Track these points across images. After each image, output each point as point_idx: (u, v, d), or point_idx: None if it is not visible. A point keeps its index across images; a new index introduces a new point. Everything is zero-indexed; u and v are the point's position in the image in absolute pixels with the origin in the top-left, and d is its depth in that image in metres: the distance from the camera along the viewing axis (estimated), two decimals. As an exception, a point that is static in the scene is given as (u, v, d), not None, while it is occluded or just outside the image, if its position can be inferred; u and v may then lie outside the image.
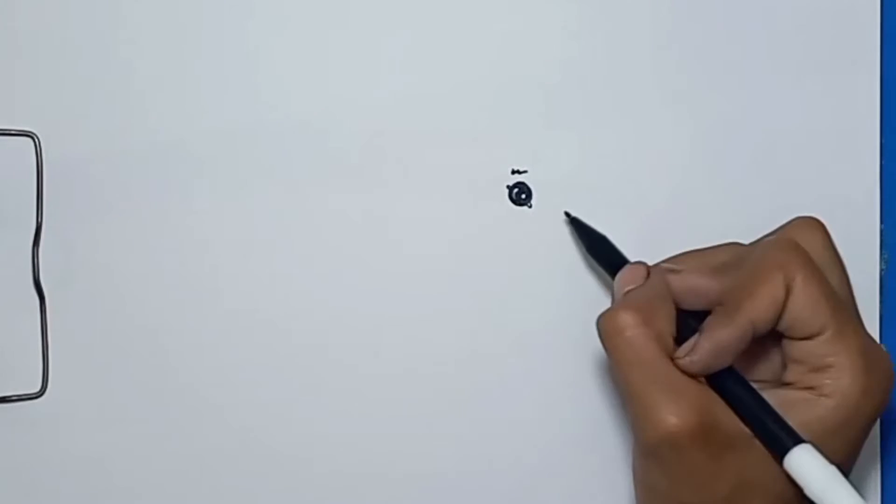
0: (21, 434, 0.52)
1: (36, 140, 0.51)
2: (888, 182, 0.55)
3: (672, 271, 0.49)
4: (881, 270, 0.55)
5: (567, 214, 0.53)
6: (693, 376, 0.46)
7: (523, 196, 0.54)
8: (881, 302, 0.55)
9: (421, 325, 0.53)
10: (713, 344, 0.46)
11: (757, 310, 0.46)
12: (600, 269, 0.52)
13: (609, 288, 0.52)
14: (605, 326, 0.47)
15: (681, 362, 0.46)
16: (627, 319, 0.46)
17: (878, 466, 0.55)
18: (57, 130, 0.51)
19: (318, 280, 0.53)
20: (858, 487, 0.54)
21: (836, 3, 0.54)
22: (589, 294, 0.53)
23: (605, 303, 0.51)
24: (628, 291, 0.48)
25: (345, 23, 0.53)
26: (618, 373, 0.47)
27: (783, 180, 0.54)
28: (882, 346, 0.48)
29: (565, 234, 0.54)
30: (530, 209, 0.54)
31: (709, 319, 0.47)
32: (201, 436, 0.52)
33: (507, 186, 0.54)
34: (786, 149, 0.55)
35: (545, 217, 0.54)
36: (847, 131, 0.55)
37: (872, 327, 0.55)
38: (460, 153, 0.53)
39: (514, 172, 0.54)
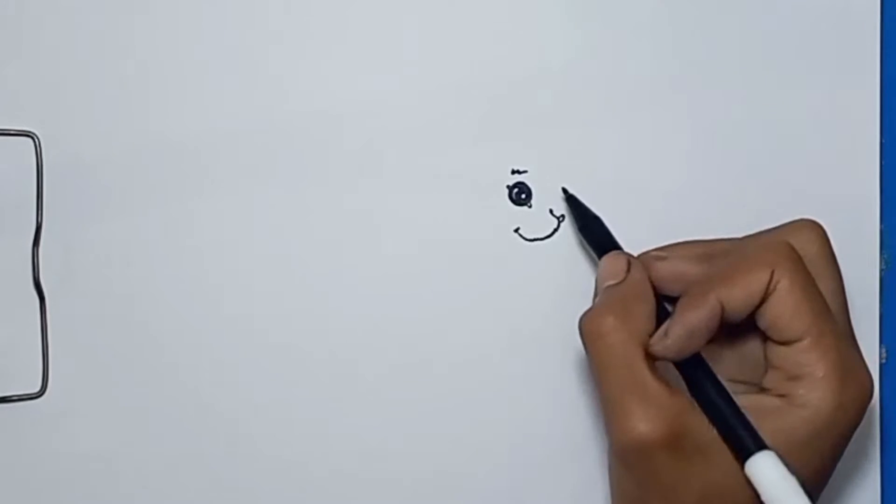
0: (21, 434, 0.52)
1: (36, 140, 0.51)
2: (888, 182, 0.55)
3: (659, 258, 0.49)
4: (881, 270, 0.55)
5: (564, 191, 0.53)
6: (670, 360, 0.46)
7: (523, 196, 0.54)
8: (881, 302, 0.55)
9: (421, 324, 0.53)
10: (685, 326, 0.46)
11: (728, 294, 0.46)
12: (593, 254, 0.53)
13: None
14: (587, 329, 0.47)
15: (655, 349, 0.46)
16: (609, 323, 0.47)
17: (879, 466, 0.55)
18: (57, 130, 0.51)
19: (318, 280, 0.53)
20: (858, 489, 0.54)
21: (836, 4, 0.54)
22: (588, 294, 0.53)
23: (605, 303, 0.51)
24: (608, 287, 0.49)
25: (345, 23, 0.53)
26: (596, 375, 0.47)
27: (783, 181, 0.54)
28: (864, 362, 0.47)
29: (564, 234, 0.54)
30: (530, 209, 0.54)
31: (680, 302, 0.47)
32: (201, 435, 0.52)
33: (507, 186, 0.54)
34: (786, 149, 0.55)
35: (545, 217, 0.54)
36: (847, 131, 0.55)
37: (872, 327, 0.55)
38: (460, 153, 0.53)
39: (514, 172, 0.54)
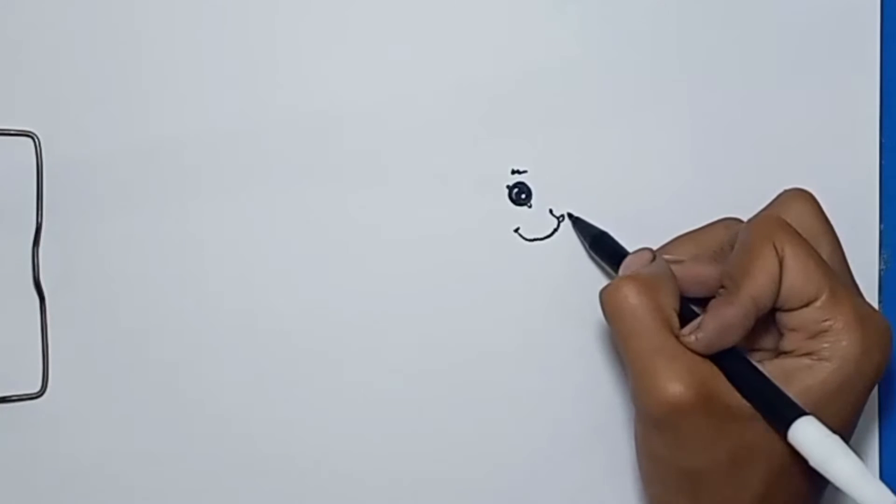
0: (21, 434, 0.52)
1: (36, 140, 0.51)
2: (888, 182, 0.55)
3: (673, 262, 0.49)
4: (881, 270, 0.55)
5: (570, 216, 0.53)
6: (699, 353, 0.46)
7: (523, 196, 0.54)
8: (881, 302, 0.55)
9: (421, 324, 0.53)
10: (718, 322, 0.46)
11: (757, 287, 0.46)
12: (606, 268, 0.53)
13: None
14: (608, 297, 0.47)
15: (686, 339, 0.46)
16: (630, 290, 0.47)
17: (878, 467, 0.56)
18: (57, 130, 0.51)
19: (318, 280, 0.53)
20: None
21: (836, 3, 0.54)
22: (589, 294, 0.53)
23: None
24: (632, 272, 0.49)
25: (345, 23, 0.53)
26: (620, 343, 0.47)
27: (783, 181, 0.54)
28: (876, 309, 0.48)
29: (564, 234, 0.54)
30: (530, 209, 0.54)
31: (713, 301, 0.47)
32: (201, 435, 0.52)
33: (507, 186, 0.54)
34: (786, 149, 0.55)
35: (545, 217, 0.54)
36: (847, 131, 0.55)
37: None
38: (460, 153, 0.53)
39: (514, 172, 0.54)
